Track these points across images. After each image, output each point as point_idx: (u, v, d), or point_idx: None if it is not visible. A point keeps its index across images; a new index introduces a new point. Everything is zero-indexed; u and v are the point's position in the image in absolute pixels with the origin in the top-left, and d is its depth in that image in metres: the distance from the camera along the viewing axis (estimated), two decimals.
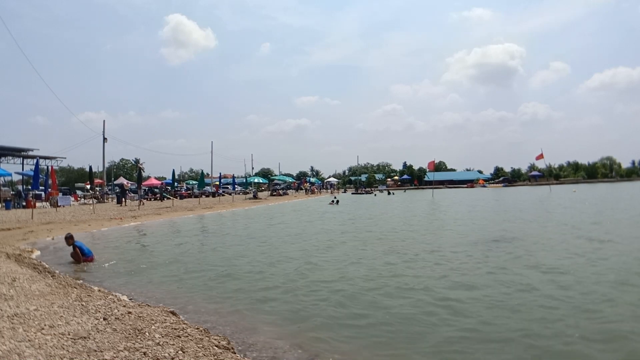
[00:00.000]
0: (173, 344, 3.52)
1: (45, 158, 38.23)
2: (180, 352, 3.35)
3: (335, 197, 35.35)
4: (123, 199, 29.35)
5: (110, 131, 57.91)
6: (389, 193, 56.30)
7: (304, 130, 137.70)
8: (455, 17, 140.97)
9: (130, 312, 4.39)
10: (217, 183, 47.99)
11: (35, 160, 26.03)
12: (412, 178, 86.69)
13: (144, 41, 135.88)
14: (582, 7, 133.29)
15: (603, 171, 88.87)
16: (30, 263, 7.33)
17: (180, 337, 3.74)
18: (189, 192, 45.14)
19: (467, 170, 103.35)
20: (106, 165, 43.96)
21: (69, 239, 8.39)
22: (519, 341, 3.96)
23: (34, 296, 4.78)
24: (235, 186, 52.57)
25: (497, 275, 6.53)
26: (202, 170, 47.55)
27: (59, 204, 24.90)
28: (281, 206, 30.69)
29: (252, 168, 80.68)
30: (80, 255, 8.19)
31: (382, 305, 5.17)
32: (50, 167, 27.65)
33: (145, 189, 36.47)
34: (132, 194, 34.89)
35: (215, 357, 3.38)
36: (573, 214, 17.27)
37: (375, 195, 52.98)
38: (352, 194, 59.94)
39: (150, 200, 34.98)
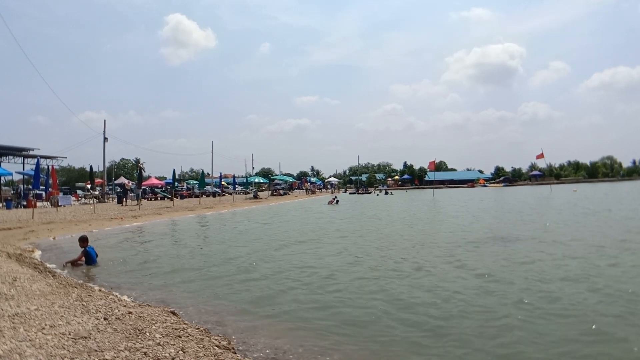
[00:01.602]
0: (174, 344, 3.51)
1: (46, 157, 38.24)
2: (180, 352, 3.34)
3: (335, 197, 35.35)
4: (124, 199, 29.35)
5: (111, 131, 57.63)
6: (386, 193, 56.42)
7: (304, 130, 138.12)
8: (455, 17, 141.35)
9: (130, 312, 4.39)
10: (223, 183, 48.07)
11: (36, 160, 26.08)
12: (413, 178, 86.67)
13: (144, 41, 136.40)
14: (582, 7, 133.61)
15: (604, 170, 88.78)
16: (31, 263, 7.33)
17: (181, 337, 3.74)
18: (189, 192, 45.15)
19: (468, 170, 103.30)
20: (107, 164, 43.92)
21: (83, 241, 8.07)
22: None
23: (34, 296, 4.77)
24: (236, 186, 52.60)
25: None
26: (203, 170, 47.57)
27: (59, 204, 24.92)
28: (282, 206, 30.70)
29: (253, 168, 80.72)
30: (79, 261, 7.87)
31: (385, 306, 5.16)
32: (51, 167, 27.69)
33: (145, 189, 36.46)
34: (132, 194, 34.92)
35: (216, 357, 3.37)
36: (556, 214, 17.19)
37: (377, 195, 53.03)
38: (350, 194, 59.97)
39: (150, 200, 34.98)
